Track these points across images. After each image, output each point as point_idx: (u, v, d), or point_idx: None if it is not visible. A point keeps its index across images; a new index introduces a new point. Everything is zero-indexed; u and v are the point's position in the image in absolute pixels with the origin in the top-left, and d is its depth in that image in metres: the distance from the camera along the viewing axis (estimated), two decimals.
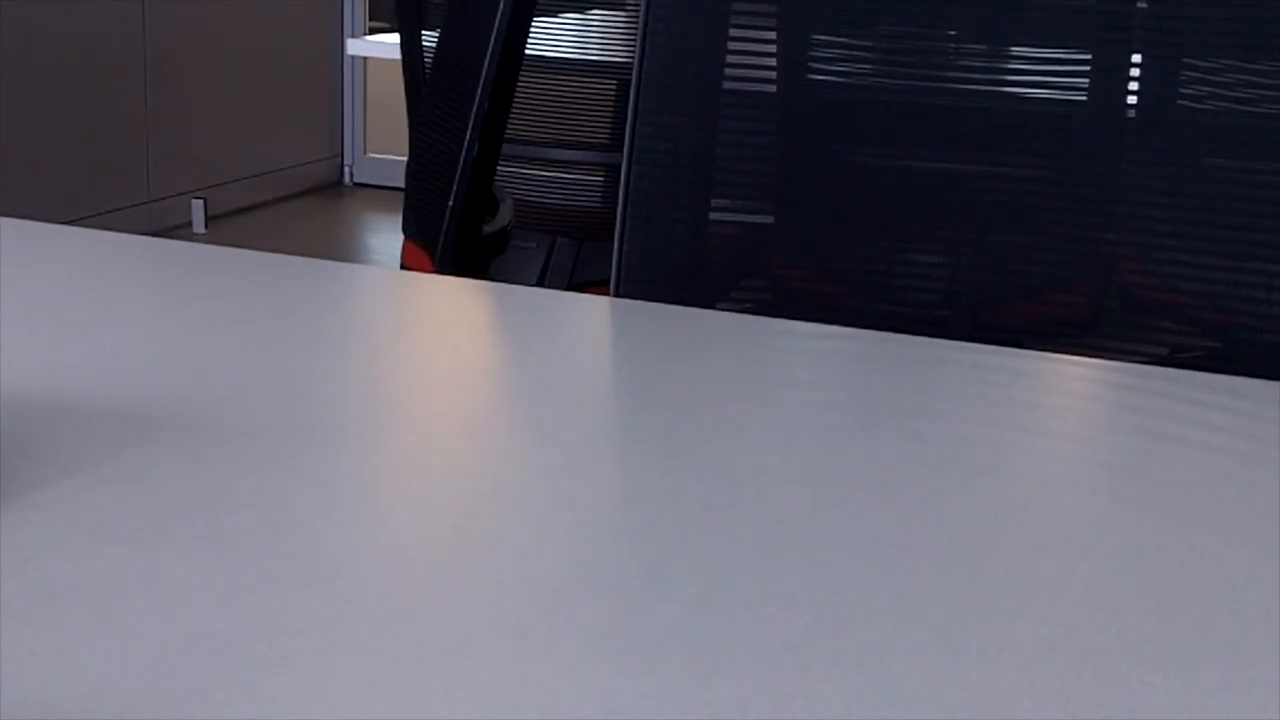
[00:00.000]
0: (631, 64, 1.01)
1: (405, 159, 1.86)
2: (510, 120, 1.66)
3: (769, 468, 0.59)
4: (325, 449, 0.59)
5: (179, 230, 4.38)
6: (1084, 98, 0.98)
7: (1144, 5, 0.96)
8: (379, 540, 0.51)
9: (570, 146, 2.56)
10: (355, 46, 3.15)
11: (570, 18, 2.81)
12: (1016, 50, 0.98)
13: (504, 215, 1.80)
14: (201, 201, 4.45)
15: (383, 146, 5.19)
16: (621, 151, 1.01)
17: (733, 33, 1.01)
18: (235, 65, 4.60)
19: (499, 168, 1.64)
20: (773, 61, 1.02)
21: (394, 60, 2.25)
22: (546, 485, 0.56)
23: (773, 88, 1.03)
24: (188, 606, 0.45)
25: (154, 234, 4.05)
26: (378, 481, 0.56)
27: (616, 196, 1.01)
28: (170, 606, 0.45)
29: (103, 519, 0.51)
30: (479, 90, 1.48)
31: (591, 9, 2.91)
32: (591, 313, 0.83)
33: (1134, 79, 0.96)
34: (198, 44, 4.42)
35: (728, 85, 1.01)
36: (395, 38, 2.23)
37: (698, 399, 0.67)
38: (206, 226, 4.43)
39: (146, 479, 0.55)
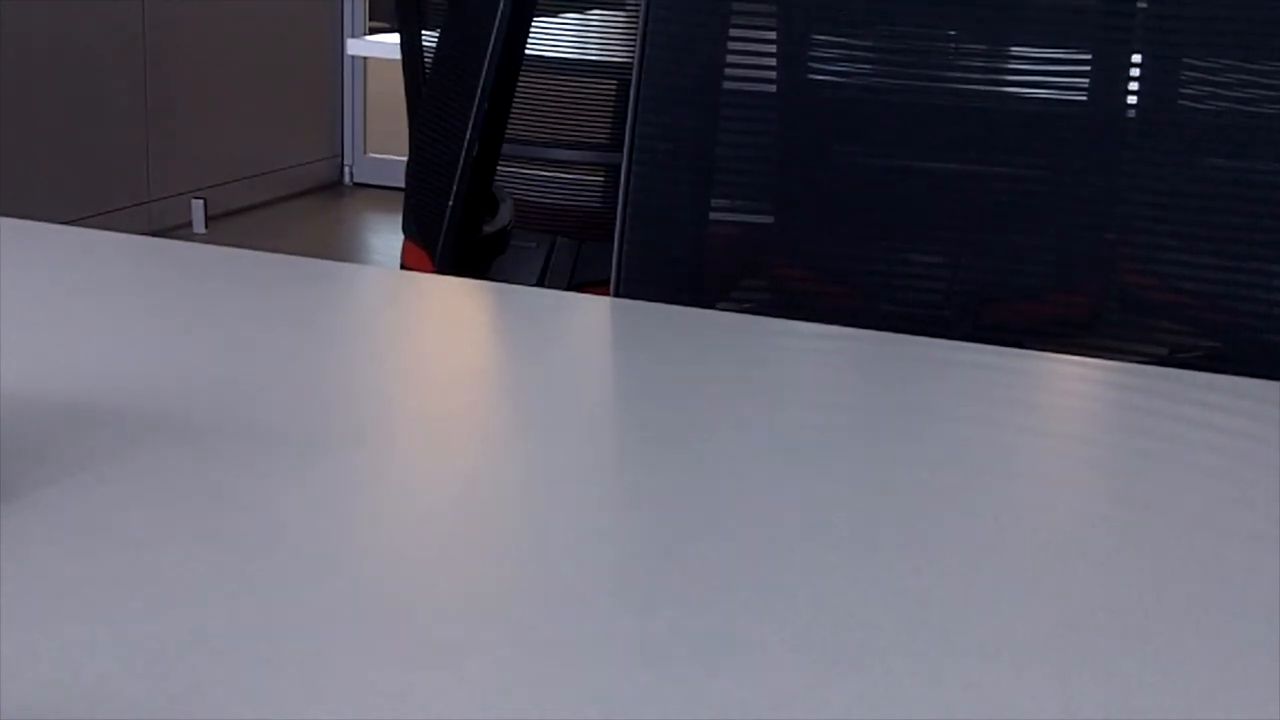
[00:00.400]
0: (631, 64, 1.01)
1: (405, 159, 1.86)
2: (510, 120, 1.66)
3: (769, 468, 0.59)
4: (325, 449, 0.59)
5: (179, 230, 4.38)
6: (1084, 98, 0.98)
7: (1144, 5, 0.96)
8: (379, 540, 0.51)
9: (570, 146, 2.56)
10: (355, 46, 3.15)
11: (570, 18, 2.81)
12: (1016, 50, 0.98)
13: (504, 215, 1.80)
14: (201, 201, 4.45)
15: (383, 146, 5.19)
16: (621, 151, 1.01)
17: (733, 33, 1.01)
18: (235, 65, 4.60)
19: (499, 168, 1.64)
20: (773, 61, 1.02)
21: (394, 60, 2.25)
22: (546, 485, 0.56)
23: (773, 88, 1.03)
24: (188, 606, 0.45)
25: (154, 234, 4.05)
26: (378, 481, 0.56)
27: (616, 196, 1.01)
28: (170, 606, 0.45)
29: (103, 519, 0.51)
30: (479, 90, 1.48)
31: (591, 9, 2.91)
32: (591, 313, 0.83)
33: (1134, 79, 0.96)
34: (198, 44, 4.42)
35: (728, 85, 1.01)
36: (395, 38, 2.23)
37: (698, 399, 0.67)
38: (206, 226, 4.44)
39: (146, 479, 0.55)
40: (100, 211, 4.12)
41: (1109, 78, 0.97)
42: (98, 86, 4.06)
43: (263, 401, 0.64)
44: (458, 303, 0.84)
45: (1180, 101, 0.96)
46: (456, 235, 1.54)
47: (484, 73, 1.47)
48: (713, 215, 1.04)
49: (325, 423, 0.62)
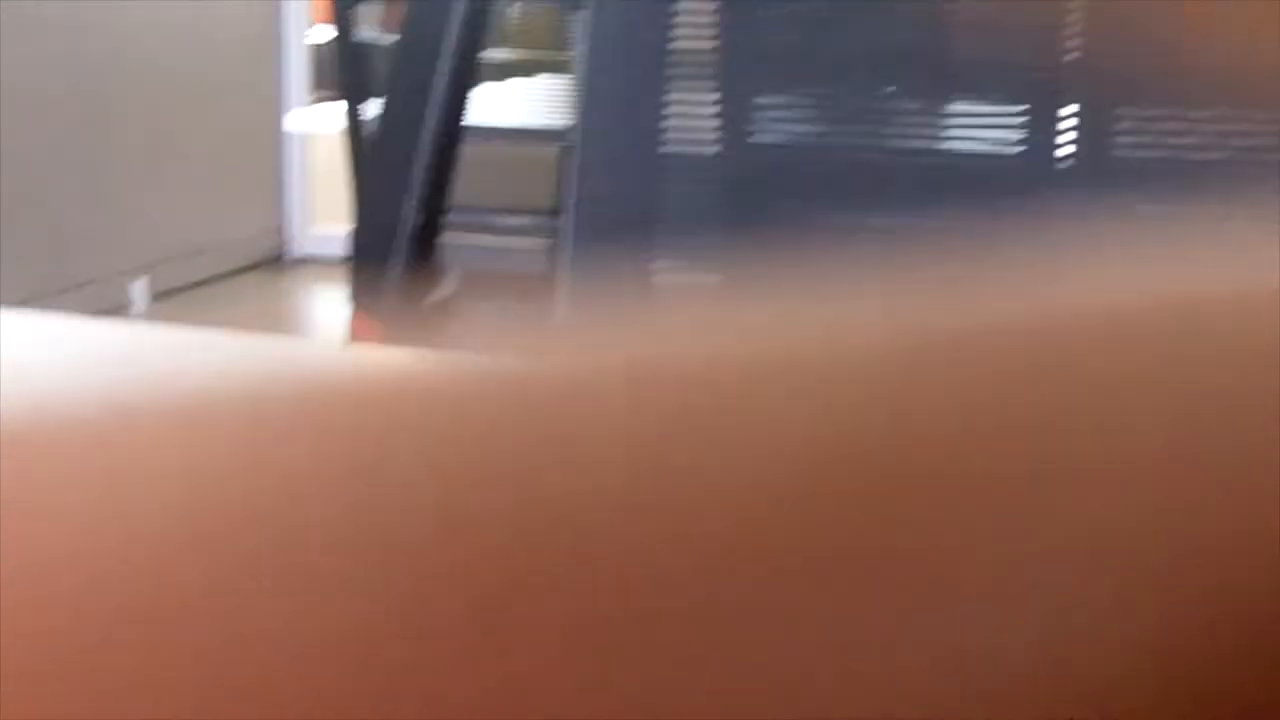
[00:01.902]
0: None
1: (349, 230, 1.86)
2: (455, 187, 1.66)
3: None
4: None
5: (119, 311, 4.34)
6: (1020, 150, 0.99)
7: (1076, 56, 0.98)
8: None
9: (515, 213, 2.57)
10: (294, 120, 3.16)
11: (515, 83, 2.83)
12: (952, 106, 0.99)
13: (450, 283, 1.80)
14: (143, 281, 4.42)
15: (328, 217, 5.19)
16: (564, 216, 1.01)
17: (673, 95, 1.02)
18: (172, 139, 4.59)
19: (444, 236, 1.65)
20: (714, 123, 1.03)
21: (335, 132, 2.26)
22: None
23: (715, 149, 1.04)
24: None
25: (95, 315, 4.02)
26: None
27: (561, 261, 1.01)
28: None
29: None
30: (420, 158, 1.48)
31: (538, 73, 2.93)
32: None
33: (1067, 130, 0.98)
34: (132, 117, 4.41)
35: (668, 150, 1.02)
36: (335, 108, 2.24)
37: None
38: (149, 306, 4.41)
39: None
40: (39, 294, 4.08)
41: (1042, 130, 0.99)
42: (23, 158, 4.04)
43: None
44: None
45: (1114, 152, 0.97)
46: (403, 304, 1.53)
47: (425, 140, 1.48)
48: (656, 278, 1.05)
49: None
